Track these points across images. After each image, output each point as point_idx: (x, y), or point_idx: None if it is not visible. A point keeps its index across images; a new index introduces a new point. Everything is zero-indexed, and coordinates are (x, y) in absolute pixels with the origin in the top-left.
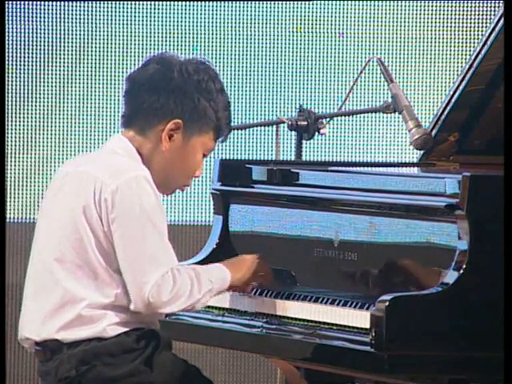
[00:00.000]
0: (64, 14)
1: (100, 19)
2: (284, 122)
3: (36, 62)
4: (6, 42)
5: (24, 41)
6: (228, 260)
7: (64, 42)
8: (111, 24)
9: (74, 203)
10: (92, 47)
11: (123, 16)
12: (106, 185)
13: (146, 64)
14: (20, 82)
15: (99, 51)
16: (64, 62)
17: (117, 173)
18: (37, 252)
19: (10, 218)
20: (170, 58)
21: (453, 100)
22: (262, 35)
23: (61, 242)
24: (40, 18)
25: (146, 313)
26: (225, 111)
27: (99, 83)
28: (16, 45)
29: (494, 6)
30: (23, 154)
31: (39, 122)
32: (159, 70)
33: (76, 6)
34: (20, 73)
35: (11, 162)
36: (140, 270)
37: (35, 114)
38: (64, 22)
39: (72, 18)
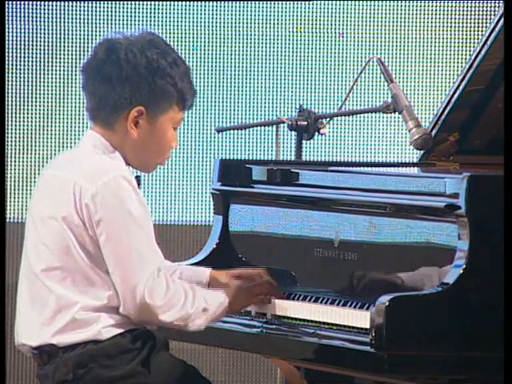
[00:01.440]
0: (64, 13)
1: (100, 19)
2: (284, 122)
3: (36, 62)
4: (6, 42)
5: (24, 41)
6: (227, 288)
7: (64, 42)
8: (111, 24)
9: (55, 212)
10: (92, 47)
11: (123, 16)
12: (85, 189)
13: (95, 53)
14: (20, 82)
15: None
16: (64, 62)
17: (95, 175)
18: (27, 264)
19: (9, 218)
20: (115, 43)
21: (453, 100)
22: (262, 35)
23: (49, 252)
24: (40, 18)
25: (136, 316)
26: (183, 81)
27: None
28: (16, 45)
29: (494, 6)
30: (23, 154)
31: (39, 122)
32: (108, 59)
33: (76, 6)
34: (20, 73)
35: (11, 162)
36: (127, 270)
37: (35, 114)
38: (64, 22)
39: (72, 18)
